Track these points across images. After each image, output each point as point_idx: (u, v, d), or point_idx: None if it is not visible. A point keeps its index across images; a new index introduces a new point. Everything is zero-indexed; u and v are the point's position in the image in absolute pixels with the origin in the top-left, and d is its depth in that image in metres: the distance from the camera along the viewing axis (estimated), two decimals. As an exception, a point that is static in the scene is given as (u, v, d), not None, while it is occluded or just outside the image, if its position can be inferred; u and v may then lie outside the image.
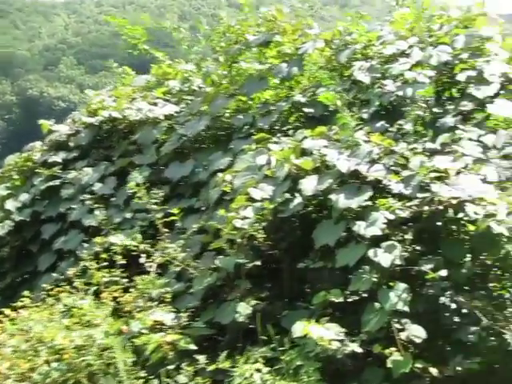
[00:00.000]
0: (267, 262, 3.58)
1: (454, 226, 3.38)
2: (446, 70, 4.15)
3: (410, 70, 4.04)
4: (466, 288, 3.19)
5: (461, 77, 4.00)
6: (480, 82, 3.95)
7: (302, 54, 4.36)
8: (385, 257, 2.92)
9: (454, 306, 3.11)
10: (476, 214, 3.03)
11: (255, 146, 3.89)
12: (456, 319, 3.11)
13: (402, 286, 2.89)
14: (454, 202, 3.07)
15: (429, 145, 3.62)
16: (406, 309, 2.81)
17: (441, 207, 3.08)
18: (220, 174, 3.83)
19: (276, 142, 3.83)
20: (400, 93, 3.91)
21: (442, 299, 3.11)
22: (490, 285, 3.33)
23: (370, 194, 3.13)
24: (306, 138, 3.62)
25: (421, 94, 3.69)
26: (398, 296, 2.83)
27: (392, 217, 3.08)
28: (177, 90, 5.17)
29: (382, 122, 3.91)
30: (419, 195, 3.19)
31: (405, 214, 3.08)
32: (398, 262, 2.92)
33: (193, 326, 3.28)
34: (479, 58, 4.10)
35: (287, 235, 3.56)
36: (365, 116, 3.95)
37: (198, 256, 3.72)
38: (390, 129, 3.79)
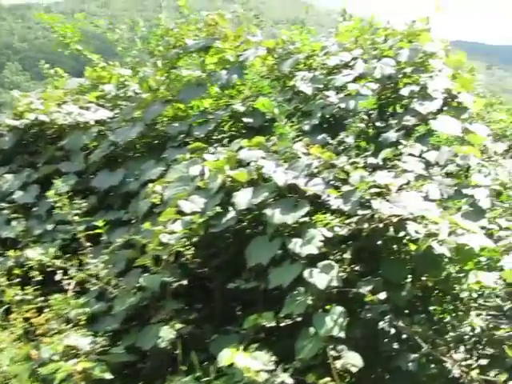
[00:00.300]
0: (198, 280, 3.32)
1: (395, 246, 3.22)
2: (389, 84, 4.04)
3: (353, 82, 3.91)
4: (407, 311, 3.02)
5: (404, 91, 3.89)
6: (423, 97, 3.86)
7: (242, 62, 4.15)
8: (321, 278, 2.70)
9: (393, 331, 2.92)
10: (417, 233, 2.88)
11: (189, 155, 3.64)
12: (395, 345, 2.92)
13: (338, 309, 2.67)
14: (395, 219, 2.91)
15: (371, 160, 3.48)
16: (342, 335, 2.59)
17: (381, 225, 2.91)
18: (151, 185, 3.55)
19: (212, 152, 3.59)
20: (342, 105, 3.76)
21: (381, 324, 2.91)
22: (431, 308, 3.17)
23: (307, 209, 2.92)
24: (242, 148, 3.39)
25: (363, 105, 3.53)
26: (333, 321, 2.61)
27: (330, 234, 2.88)
28: (112, 95, 4.86)
29: (324, 135, 3.74)
30: (360, 212, 3.01)
31: (343, 231, 2.88)
32: (334, 283, 2.71)
33: (111, 351, 2.96)
34: (423, 73, 4.01)
35: (220, 252, 3.30)
36: (306, 128, 3.78)
37: (124, 273, 3.41)
38: (332, 142, 3.62)
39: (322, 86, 3.99)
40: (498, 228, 3.52)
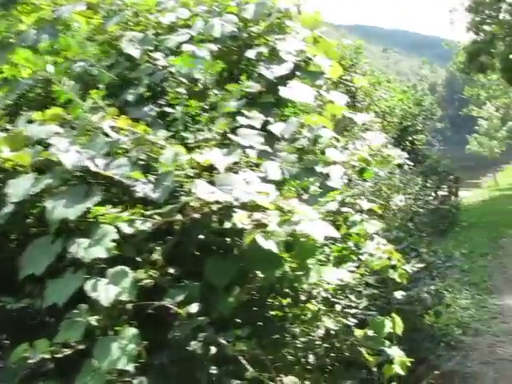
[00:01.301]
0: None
1: (228, 239, 2.61)
2: (235, 46, 3.43)
3: (189, 42, 3.25)
4: (237, 321, 2.42)
5: (250, 53, 3.29)
6: (272, 60, 3.28)
7: (56, 19, 3.37)
8: (107, 290, 2.03)
9: (214, 350, 2.29)
10: (243, 223, 2.27)
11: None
12: (214, 369, 2.30)
13: (130, 332, 2.01)
14: (215, 207, 2.29)
15: (204, 134, 2.84)
16: (130, 368, 1.93)
17: (197, 215, 2.28)
18: None
19: (5, 129, 2.81)
20: (173, 69, 3.09)
21: (195, 343, 2.26)
22: (272, 313, 2.59)
23: (97, 199, 2.22)
24: (32, 122, 2.64)
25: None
26: (121, 348, 1.95)
27: (130, 230, 2.21)
28: None
29: (152, 106, 3.06)
30: (177, 200, 2.37)
31: (145, 226, 2.22)
32: (125, 297, 2.03)
33: None
34: (274, 34, 3.43)
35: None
36: (130, 98, 3.08)
37: None
38: (156, 114, 2.95)
39: (153, 48, 3.29)
40: (355, 211, 3.03)
